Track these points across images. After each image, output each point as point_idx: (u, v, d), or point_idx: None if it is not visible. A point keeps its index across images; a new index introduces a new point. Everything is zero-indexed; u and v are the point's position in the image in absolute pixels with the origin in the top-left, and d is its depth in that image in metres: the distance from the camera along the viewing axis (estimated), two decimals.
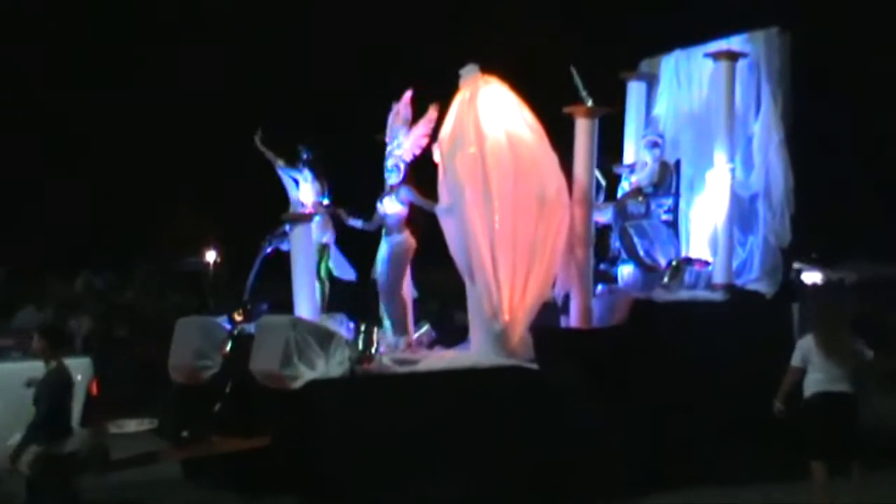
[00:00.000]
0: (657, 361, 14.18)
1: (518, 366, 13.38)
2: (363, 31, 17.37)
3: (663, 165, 15.94)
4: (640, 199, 15.70)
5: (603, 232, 15.75)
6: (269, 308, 14.31)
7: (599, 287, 15.37)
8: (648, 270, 15.34)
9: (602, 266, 15.72)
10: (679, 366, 14.16)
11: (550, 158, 13.50)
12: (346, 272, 14.85)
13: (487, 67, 13.93)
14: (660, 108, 16.76)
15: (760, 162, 15.67)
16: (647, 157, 16.02)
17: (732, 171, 15.47)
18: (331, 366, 12.72)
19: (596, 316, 14.74)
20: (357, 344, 12.90)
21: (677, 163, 16.16)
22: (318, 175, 14.72)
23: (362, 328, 12.99)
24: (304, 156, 14.69)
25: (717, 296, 15.12)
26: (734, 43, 15.81)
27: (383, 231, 14.36)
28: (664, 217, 15.96)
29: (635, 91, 16.92)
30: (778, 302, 15.39)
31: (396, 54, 17.63)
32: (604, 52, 17.84)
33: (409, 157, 14.19)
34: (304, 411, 12.55)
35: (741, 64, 15.66)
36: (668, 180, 15.90)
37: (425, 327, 14.95)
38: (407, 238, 14.23)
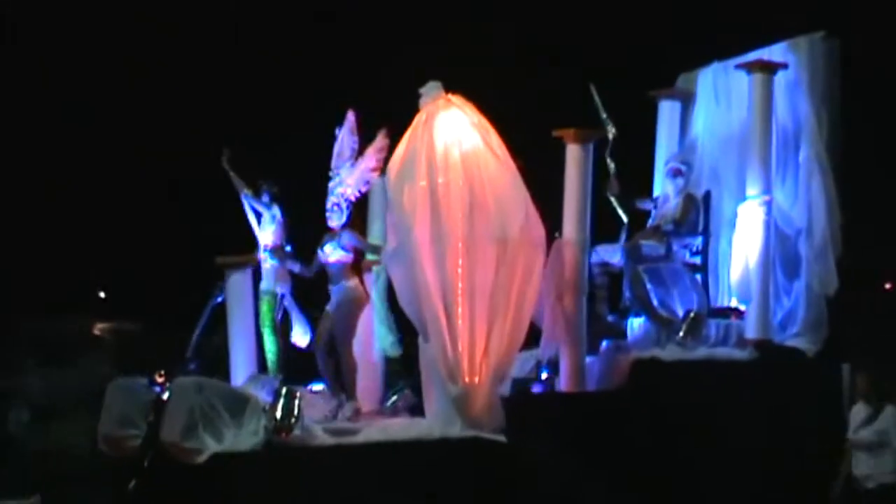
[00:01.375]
0: (662, 436, 12.03)
1: (480, 438, 11.27)
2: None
3: (688, 198, 13.69)
4: (659, 238, 13.46)
5: (619, 278, 13.60)
6: (196, 367, 12.40)
7: (604, 343, 13.18)
8: (663, 324, 13.06)
9: (611, 318, 13.54)
10: (690, 442, 12.01)
11: (515, 192, 11.44)
12: (301, 335, 12.85)
13: (461, 85, 11.93)
14: (696, 131, 14.52)
15: (803, 193, 13.37)
16: (670, 189, 13.82)
17: (768, 203, 13.17)
18: (242, 437, 10.77)
19: (594, 378, 12.58)
20: (276, 411, 10.89)
21: (706, 195, 13.93)
22: (284, 215, 12.79)
23: (283, 392, 10.99)
24: (267, 194, 12.75)
25: (743, 354, 12.83)
26: (774, 52, 13.59)
27: (329, 280, 12.39)
28: (690, 260, 13.70)
29: (667, 111, 14.70)
30: (823, 361, 13.04)
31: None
32: (630, 66, 15.56)
33: (353, 196, 12.19)
34: (210, 489, 10.61)
35: (784, 77, 13.40)
36: (692, 216, 13.65)
37: (403, 391, 12.87)
38: (354, 287, 12.20)
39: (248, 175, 12.94)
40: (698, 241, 13.76)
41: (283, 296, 12.88)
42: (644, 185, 14.58)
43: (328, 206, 12.18)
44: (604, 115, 13.65)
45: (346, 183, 12.11)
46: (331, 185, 12.24)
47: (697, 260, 13.76)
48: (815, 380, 12.91)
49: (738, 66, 13.58)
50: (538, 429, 11.73)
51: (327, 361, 12.23)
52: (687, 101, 14.72)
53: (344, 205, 12.10)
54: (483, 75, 13.80)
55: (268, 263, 12.80)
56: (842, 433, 12.43)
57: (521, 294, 11.48)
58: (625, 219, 13.94)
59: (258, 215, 12.93)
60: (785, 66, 13.38)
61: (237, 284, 12.35)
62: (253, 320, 12.46)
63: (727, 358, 12.75)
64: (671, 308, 13.14)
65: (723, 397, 12.34)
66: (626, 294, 13.50)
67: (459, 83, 12.13)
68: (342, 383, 12.17)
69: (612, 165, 13.78)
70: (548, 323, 12.38)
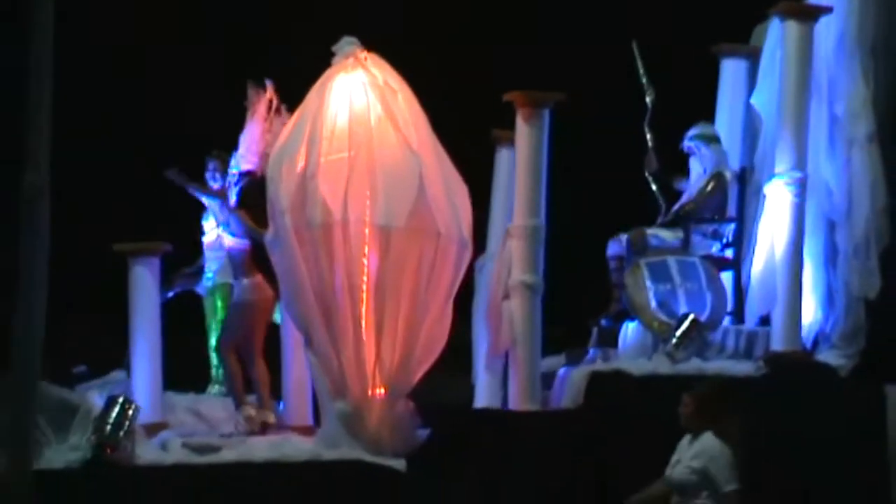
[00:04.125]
0: (626, 470, 9.99)
1: (361, 462, 9.72)
2: None
3: (713, 177, 11.62)
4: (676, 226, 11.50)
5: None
6: (87, 371, 11.28)
7: (591, 352, 11.30)
8: (658, 331, 11.03)
9: (604, 323, 11.61)
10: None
11: (408, 172, 9.81)
12: None
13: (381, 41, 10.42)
14: (758, 96, 12.28)
15: (842, 171, 11.11)
16: (697, 167, 11.78)
17: (799, 182, 10.98)
18: (59, 451, 9.59)
19: (558, 396, 10.75)
20: (105, 423, 9.63)
21: (742, 172, 11.80)
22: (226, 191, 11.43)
23: (114, 401, 9.71)
24: (211, 166, 11.39)
25: (747, 369, 10.70)
26: None
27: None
28: (718, 253, 11.63)
29: (731, 72, 12.46)
30: (859, 381, 10.76)
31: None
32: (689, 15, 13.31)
33: (246, 169, 10.71)
34: None
35: (827, 27, 11.17)
36: (716, 198, 11.58)
37: None
38: (255, 284, 10.68)
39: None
40: (731, 229, 11.67)
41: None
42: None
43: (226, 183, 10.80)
44: (643, 79, 11.91)
45: (238, 155, 10.72)
46: (232, 160, 10.87)
47: (729, 253, 11.67)
48: (848, 404, 10.59)
49: (773, 13, 11.39)
50: (461, 455, 10.07)
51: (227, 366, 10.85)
52: (756, 59, 12.48)
53: (234, 181, 10.67)
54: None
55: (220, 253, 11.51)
56: (883, 475, 10.27)
57: (416, 294, 9.85)
58: (661, 203, 11.97)
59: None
60: (829, 10, 11.12)
61: (141, 277, 11.09)
62: (158, 319, 11.17)
63: (722, 373, 10.61)
64: (673, 310, 11.09)
65: None
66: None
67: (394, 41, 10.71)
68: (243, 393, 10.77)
69: (650, 138, 11.91)
70: (492, 329, 10.67)
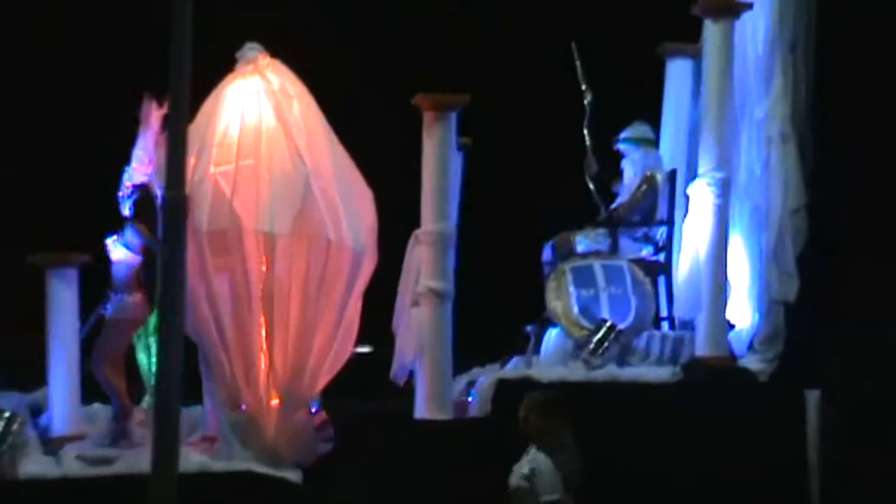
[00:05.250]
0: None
1: (256, 474, 9.74)
2: None
3: (644, 180, 11.56)
4: (594, 231, 11.44)
5: None
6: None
7: (513, 360, 11.25)
8: (577, 336, 10.95)
9: (528, 329, 11.55)
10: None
11: (294, 176, 9.86)
12: None
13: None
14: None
15: (761, 169, 10.97)
16: (629, 169, 11.70)
17: (720, 183, 10.86)
18: None
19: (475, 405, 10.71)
20: None
21: (672, 174, 11.67)
22: None
23: (3, 415, 9.80)
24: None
25: (662, 375, 10.58)
26: None
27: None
28: (651, 257, 11.53)
29: (676, 72, 12.33)
30: (779, 387, 10.59)
31: None
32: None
33: (139, 181, 10.70)
34: None
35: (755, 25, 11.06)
36: (647, 201, 11.50)
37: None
38: (136, 303, 10.65)
39: None
40: (662, 232, 11.57)
41: None
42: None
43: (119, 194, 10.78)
44: (582, 80, 11.92)
45: (131, 169, 10.73)
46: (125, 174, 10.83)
47: (659, 257, 11.56)
48: (766, 409, 10.44)
49: (695, 12, 11.26)
50: (360, 465, 10.08)
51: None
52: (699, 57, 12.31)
53: (127, 193, 10.67)
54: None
55: None
56: (802, 480, 10.16)
57: (305, 301, 9.86)
58: (601, 205, 11.90)
59: None
60: (749, 6, 10.98)
61: (59, 288, 11.15)
62: (76, 330, 11.21)
63: (637, 380, 10.51)
64: (595, 316, 11.01)
65: (616, 430, 10.15)
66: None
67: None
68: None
69: (588, 140, 11.87)
70: (401, 335, 10.65)
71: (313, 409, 10.39)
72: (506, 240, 12.60)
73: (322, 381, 10.16)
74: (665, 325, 11.53)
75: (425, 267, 10.58)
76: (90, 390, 11.15)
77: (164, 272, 7.06)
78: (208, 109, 10.12)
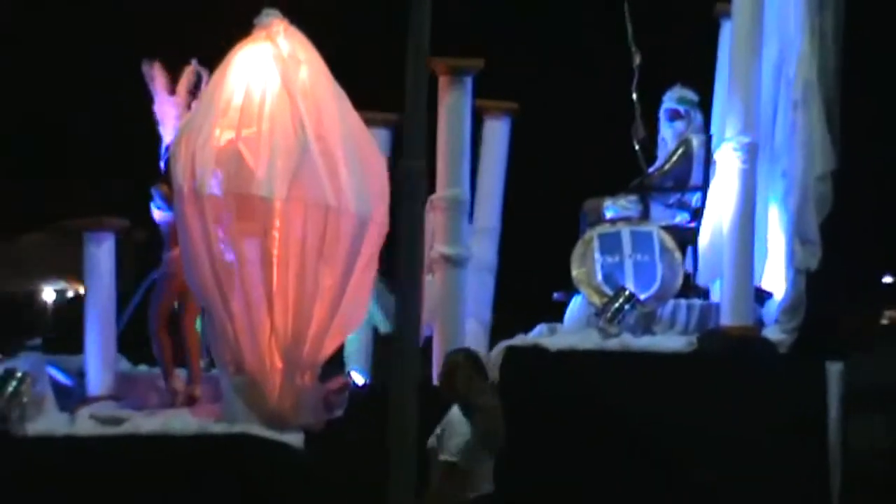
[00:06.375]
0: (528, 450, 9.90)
1: (255, 437, 9.91)
2: None
3: (681, 144, 11.44)
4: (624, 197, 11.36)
5: None
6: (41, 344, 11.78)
7: (537, 328, 11.24)
8: (599, 304, 10.89)
9: (556, 296, 11.52)
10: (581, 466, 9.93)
11: (293, 142, 9.95)
12: None
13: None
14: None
15: (788, 134, 10.74)
16: (668, 136, 11.58)
17: (747, 147, 10.68)
18: None
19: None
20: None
21: (708, 139, 11.49)
22: None
23: (15, 374, 10.16)
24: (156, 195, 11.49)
25: (676, 345, 10.47)
26: None
27: None
28: (686, 224, 11.40)
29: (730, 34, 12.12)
30: (799, 360, 10.38)
31: None
32: None
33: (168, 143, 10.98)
34: None
35: None
36: (682, 166, 11.37)
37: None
38: (171, 259, 10.95)
39: None
40: (696, 198, 11.43)
41: None
42: None
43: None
44: (632, 41, 11.76)
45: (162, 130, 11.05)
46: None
47: (697, 225, 11.42)
48: (786, 382, 10.26)
49: None
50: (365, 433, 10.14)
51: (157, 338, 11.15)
52: None
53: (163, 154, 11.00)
54: None
55: None
56: (821, 457, 9.98)
57: (303, 266, 9.96)
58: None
59: None
60: None
61: (95, 256, 11.47)
62: (113, 293, 11.55)
63: (649, 349, 10.41)
64: (618, 283, 10.94)
65: (626, 400, 10.11)
66: None
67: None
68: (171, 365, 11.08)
69: (637, 104, 11.81)
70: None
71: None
72: (556, 205, 12.57)
73: (329, 347, 10.25)
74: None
75: (439, 233, 10.65)
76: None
77: (404, 227, 7.73)
78: (217, 76, 10.29)
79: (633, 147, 11.85)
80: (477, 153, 11.58)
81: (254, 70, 10.17)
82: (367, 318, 11.11)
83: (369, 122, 11.36)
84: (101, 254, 11.32)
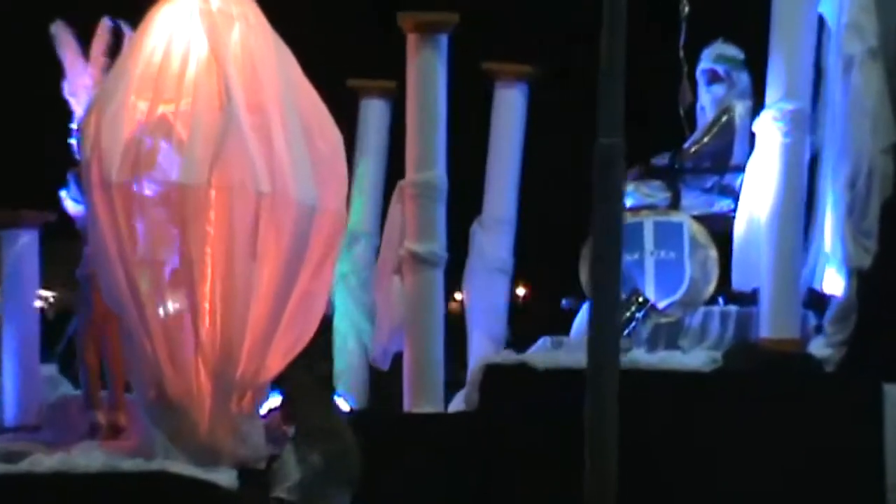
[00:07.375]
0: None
1: (175, 475, 8.31)
2: None
3: (720, 112, 9.62)
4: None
5: None
6: None
7: (541, 340, 9.48)
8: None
9: (564, 304, 9.81)
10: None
11: (223, 118, 8.29)
12: None
13: None
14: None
15: (840, 102, 8.84)
16: (706, 101, 9.76)
17: (789, 116, 8.78)
18: None
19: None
20: None
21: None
22: None
23: None
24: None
25: (700, 361, 8.62)
26: None
27: None
28: (726, 211, 9.56)
29: None
30: (849, 379, 8.49)
31: None
32: None
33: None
34: None
35: None
36: (720, 140, 9.52)
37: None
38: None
39: None
40: (739, 182, 9.55)
41: None
42: None
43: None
44: None
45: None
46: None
47: None
48: (833, 407, 8.38)
49: None
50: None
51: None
52: None
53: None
54: None
55: None
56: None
57: (230, 263, 8.31)
58: None
59: None
60: None
61: (19, 248, 10.05)
62: (35, 312, 10.18)
63: (662, 367, 8.60)
64: (636, 286, 9.15)
65: (630, 430, 8.24)
66: None
67: None
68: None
69: (684, 64, 10.17)
70: (381, 309, 9.07)
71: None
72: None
73: (274, 364, 8.60)
74: None
75: (409, 226, 8.98)
76: None
77: (600, 228, 6.50)
78: (135, 37, 8.78)
79: (679, 115, 10.06)
80: (486, 128, 9.91)
81: (176, 29, 8.55)
82: (348, 324, 9.62)
83: (363, 92, 10.09)
84: (20, 254, 10.13)
